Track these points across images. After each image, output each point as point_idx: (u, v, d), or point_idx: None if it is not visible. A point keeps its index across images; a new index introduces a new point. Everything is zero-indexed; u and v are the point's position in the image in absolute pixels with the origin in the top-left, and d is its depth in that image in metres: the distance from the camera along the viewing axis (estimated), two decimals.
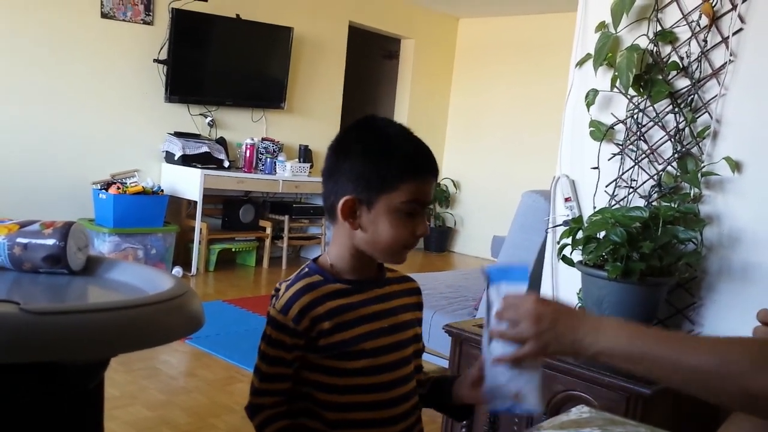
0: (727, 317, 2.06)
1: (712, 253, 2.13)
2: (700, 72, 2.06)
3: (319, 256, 1.22)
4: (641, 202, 2.14)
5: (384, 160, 1.11)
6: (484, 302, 1.04)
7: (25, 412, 1.19)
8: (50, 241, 1.44)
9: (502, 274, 1.03)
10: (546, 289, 2.53)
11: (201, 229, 5.36)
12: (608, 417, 1.02)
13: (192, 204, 5.41)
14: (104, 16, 5.10)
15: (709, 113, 2.06)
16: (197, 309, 1.26)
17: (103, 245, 4.78)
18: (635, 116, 2.17)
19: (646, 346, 0.85)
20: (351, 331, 1.15)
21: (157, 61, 5.33)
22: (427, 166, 1.14)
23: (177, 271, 5.15)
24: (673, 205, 2.00)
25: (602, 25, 2.18)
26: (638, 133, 2.16)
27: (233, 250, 5.78)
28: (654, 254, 1.96)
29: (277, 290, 1.18)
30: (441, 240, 7.73)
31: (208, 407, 2.82)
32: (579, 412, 1.02)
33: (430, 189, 1.14)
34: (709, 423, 1.06)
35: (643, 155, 2.16)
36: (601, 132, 2.21)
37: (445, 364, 2.47)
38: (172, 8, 5.32)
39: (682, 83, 2.11)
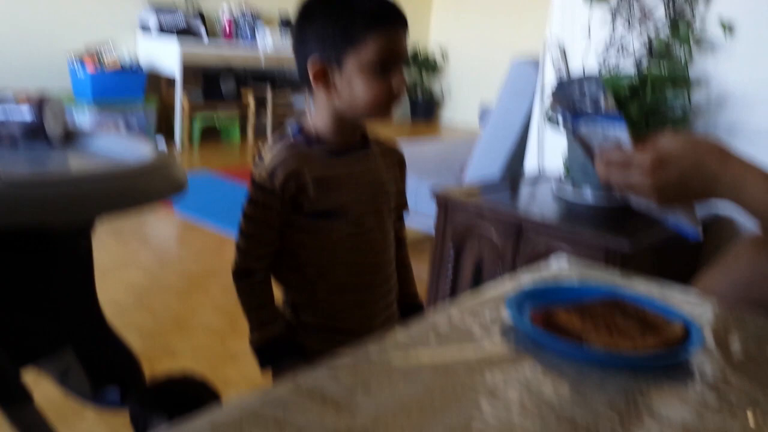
0: None
1: (699, 117, 2.13)
2: None
3: (303, 119, 1.20)
4: (632, 68, 2.10)
5: (347, 15, 1.07)
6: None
7: (16, 274, 1.21)
8: (25, 113, 1.40)
9: (589, 115, 0.84)
10: (532, 157, 2.54)
11: (182, 103, 5.25)
12: (585, 266, 1.04)
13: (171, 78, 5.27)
14: None
15: None
16: (180, 171, 1.25)
17: (83, 121, 4.69)
18: None
19: None
20: (334, 194, 1.15)
21: None
22: (393, 16, 1.09)
23: (162, 143, 5.10)
24: (662, 70, 1.96)
25: None
26: None
27: (216, 124, 5.70)
28: (641, 119, 1.95)
29: (260, 153, 1.17)
30: (428, 109, 7.65)
31: (200, 271, 2.90)
32: (557, 262, 1.05)
33: (400, 41, 1.10)
34: (688, 279, 1.09)
35: (636, 19, 2.09)
36: None
37: (431, 229, 2.52)
38: None
39: None
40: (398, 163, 1.28)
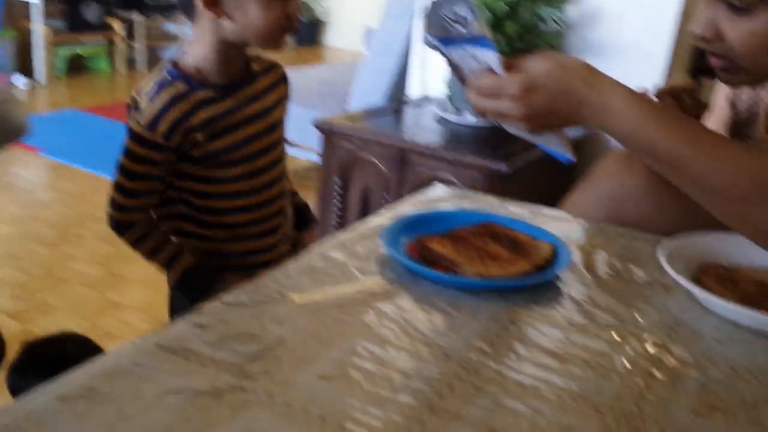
0: None
1: (573, 33, 2.17)
2: None
3: (177, 58, 1.10)
4: None
5: None
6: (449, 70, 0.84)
7: None
8: None
9: (459, 40, 0.80)
10: (415, 81, 2.51)
11: (43, 33, 4.81)
12: (461, 192, 1.04)
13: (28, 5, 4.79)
14: None
15: None
16: (16, 114, 1.12)
17: None
18: None
19: (655, 138, 0.68)
20: (225, 139, 1.09)
21: None
22: None
23: (20, 80, 4.68)
24: None
25: None
26: None
27: (82, 54, 5.28)
28: (517, 36, 1.95)
29: (135, 101, 1.06)
30: (310, 33, 7.41)
31: (72, 218, 2.72)
32: (434, 190, 1.04)
33: None
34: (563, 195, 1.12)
35: None
36: None
37: (316, 158, 2.46)
38: None
39: None
40: (285, 95, 1.23)
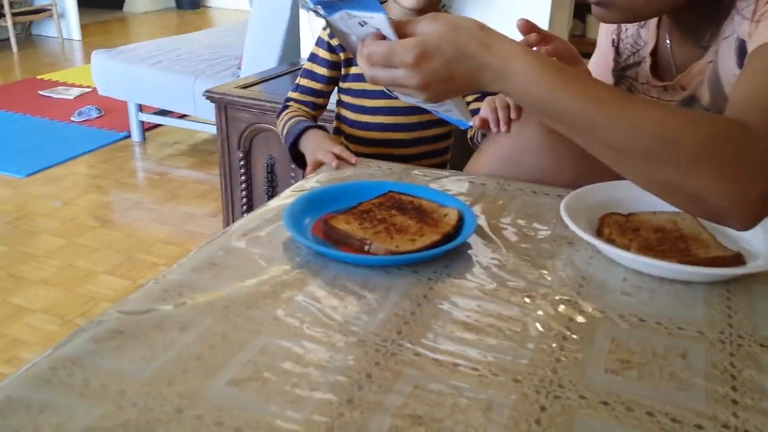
0: None
1: None
2: None
3: None
4: None
5: None
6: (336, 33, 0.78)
7: None
8: None
9: (340, 2, 0.73)
10: (306, 42, 2.44)
11: None
12: (364, 163, 1.01)
13: None
14: None
15: None
16: None
17: None
18: None
19: (559, 100, 0.65)
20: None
21: None
22: None
23: None
24: None
25: None
26: None
27: None
28: None
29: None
30: None
31: None
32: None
33: None
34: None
35: None
36: None
37: (214, 131, 2.37)
38: None
39: None
40: None
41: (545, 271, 0.72)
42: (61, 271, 2.19)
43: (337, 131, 1.31)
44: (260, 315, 0.64)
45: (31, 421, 0.50)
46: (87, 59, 4.40)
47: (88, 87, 4.10)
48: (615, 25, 1.08)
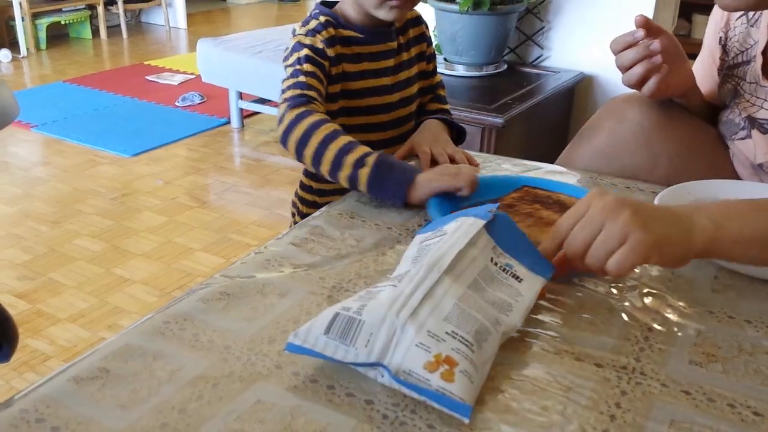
0: (572, 39, 2.12)
1: None
2: None
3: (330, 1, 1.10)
4: None
5: None
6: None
7: None
8: None
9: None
10: None
11: (20, 3, 4.71)
12: None
13: None
14: None
15: None
16: (5, 99, 1.11)
17: None
18: None
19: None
20: (355, 83, 1.07)
21: None
22: None
23: (4, 54, 4.60)
24: None
25: None
26: None
27: (63, 22, 5.18)
28: None
29: (293, 30, 1.07)
30: None
31: (70, 194, 2.71)
32: None
33: None
34: (558, 150, 1.11)
35: None
36: None
37: None
38: None
39: None
40: (424, 51, 1.18)
41: None
42: (161, 247, 2.32)
43: None
44: (353, 288, 0.68)
45: (146, 366, 0.56)
46: (191, 47, 4.60)
47: (191, 74, 4.29)
48: (723, 23, 1.05)
